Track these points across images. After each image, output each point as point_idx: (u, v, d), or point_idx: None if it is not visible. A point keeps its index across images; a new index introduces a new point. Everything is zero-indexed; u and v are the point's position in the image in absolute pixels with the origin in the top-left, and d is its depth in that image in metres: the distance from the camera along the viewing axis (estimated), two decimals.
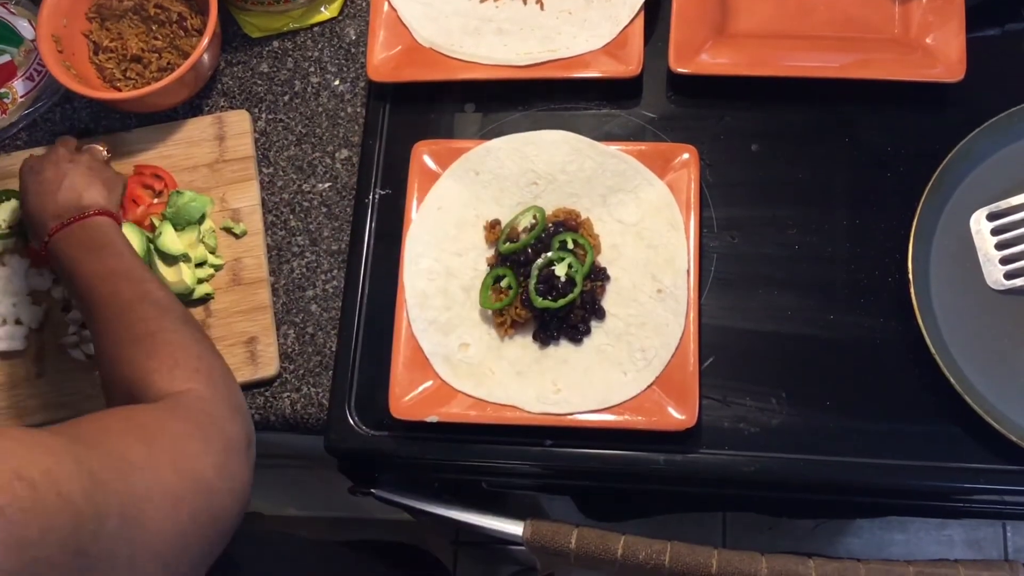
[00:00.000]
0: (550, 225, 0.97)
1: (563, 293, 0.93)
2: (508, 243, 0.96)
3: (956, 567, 0.86)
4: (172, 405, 0.72)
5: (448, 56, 1.07)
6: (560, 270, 0.94)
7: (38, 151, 1.14)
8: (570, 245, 0.95)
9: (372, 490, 1.03)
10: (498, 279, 0.96)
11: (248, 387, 1.05)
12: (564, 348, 0.95)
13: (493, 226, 0.99)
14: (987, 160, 0.96)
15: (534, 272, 0.94)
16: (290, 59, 1.17)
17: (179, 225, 1.07)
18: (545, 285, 0.93)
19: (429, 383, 0.96)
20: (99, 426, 0.64)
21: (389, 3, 1.10)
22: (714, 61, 1.02)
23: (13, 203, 1.10)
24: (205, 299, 1.07)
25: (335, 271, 1.07)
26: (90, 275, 0.85)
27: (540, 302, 0.93)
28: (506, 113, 1.07)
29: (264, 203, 1.11)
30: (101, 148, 1.10)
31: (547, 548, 0.92)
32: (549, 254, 0.94)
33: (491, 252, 0.99)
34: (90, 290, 0.85)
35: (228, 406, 0.74)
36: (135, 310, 0.80)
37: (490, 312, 0.96)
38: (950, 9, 0.99)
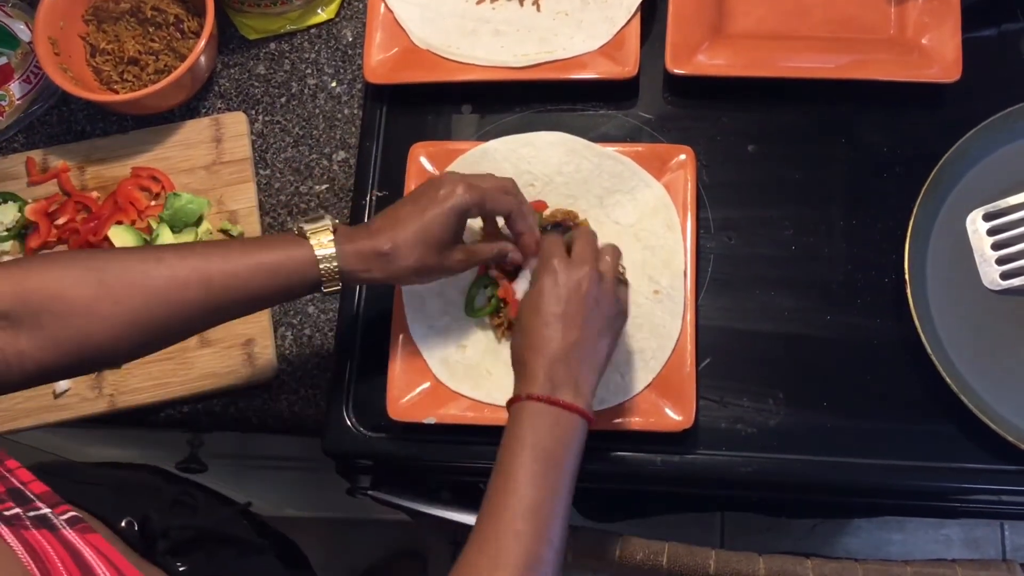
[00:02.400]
0: (548, 226, 0.97)
1: None
2: None
3: (954, 567, 0.86)
4: None
5: (445, 58, 1.07)
6: None
7: (33, 155, 1.14)
8: None
9: (370, 492, 1.03)
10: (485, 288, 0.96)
11: (246, 389, 1.05)
12: None
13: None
14: (983, 160, 0.96)
15: None
16: (287, 61, 1.17)
17: (176, 227, 1.07)
18: None
19: (426, 384, 0.96)
20: None
21: (386, 5, 1.09)
22: (711, 62, 1.02)
23: (11, 206, 1.10)
24: None
25: None
26: (525, 483, 0.72)
27: None
28: (503, 114, 1.07)
29: (261, 205, 1.11)
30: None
31: None
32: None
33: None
34: (509, 498, 0.71)
35: None
36: (536, 560, 0.69)
37: None
38: (946, 10, 0.99)
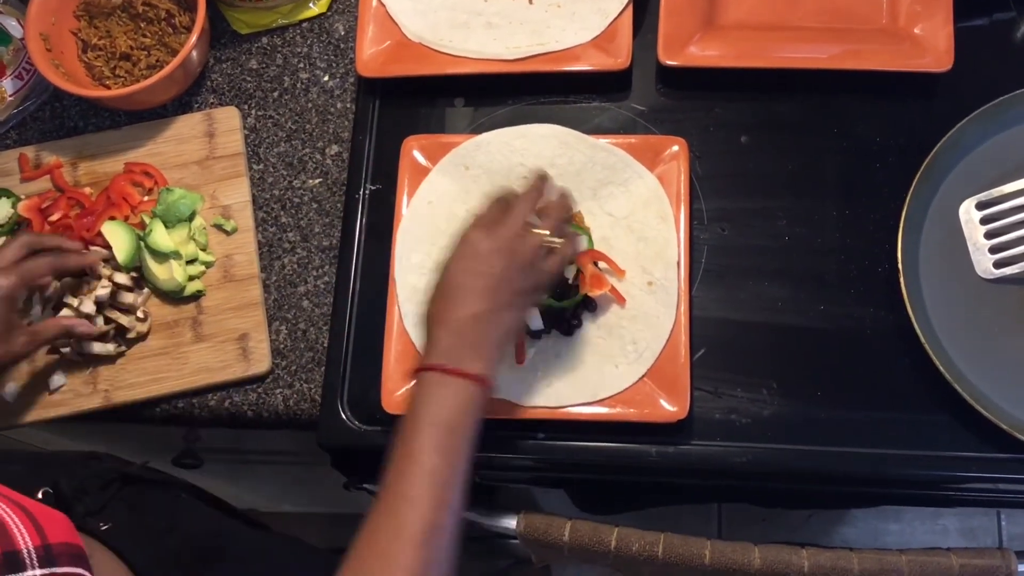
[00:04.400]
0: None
1: (563, 291, 0.93)
2: None
3: (949, 555, 0.86)
4: None
5: (437, 51, 1.07)
6: (569, 272, 0.94)
7: (26, 151, 1.14)
8: None
9: (366, 485, 1.03)
10: None
11: (240, 383, 1.05)
12: (556, 341, 0.95)
13: None
14: (976, 149, 0.96)
15: None
16: (279, 55, 1.17)
17: (169, 222, 1.06)
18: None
19: None
20: None
21: None
22: (703, 53, 1.02)
23: (4, 202, 1.10)
24: (196, 296, 1.06)
25: (326, 267, 1.07)
26: (425, 451, 0.73)
27: (545, 299, 0.93)
28: (495, 107, 1.07)
29: (255, 199, 1.11)
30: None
31: (541, 541, 0.92)
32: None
33: None
34: (410, 466, 0.73)
35: None
36: (434, 526, 0.71)
37: None
38: None
